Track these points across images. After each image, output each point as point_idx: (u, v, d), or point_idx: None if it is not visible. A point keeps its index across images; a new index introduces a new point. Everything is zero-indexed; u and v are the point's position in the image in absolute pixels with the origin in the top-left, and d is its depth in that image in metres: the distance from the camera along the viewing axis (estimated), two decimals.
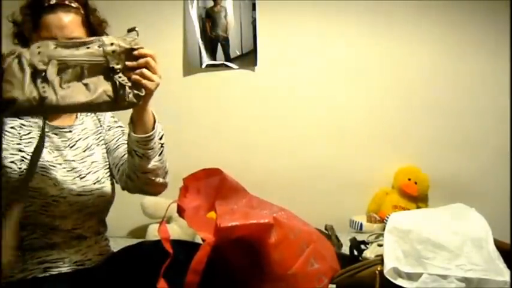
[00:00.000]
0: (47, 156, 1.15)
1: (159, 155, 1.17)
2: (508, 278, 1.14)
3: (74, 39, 1.04)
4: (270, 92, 2.35)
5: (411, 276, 1.17)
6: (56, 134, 1.20)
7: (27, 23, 1.14)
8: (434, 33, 2.35)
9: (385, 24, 2.34)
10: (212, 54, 2.31)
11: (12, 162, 1.10)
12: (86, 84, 0.99)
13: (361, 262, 1.27)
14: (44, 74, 0.95)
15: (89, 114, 1.30)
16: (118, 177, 1.26)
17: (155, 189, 1.23)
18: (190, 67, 2.31)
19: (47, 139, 1.17)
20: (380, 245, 1.35)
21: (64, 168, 1.16)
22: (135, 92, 1.04)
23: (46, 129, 1.17)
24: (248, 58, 2.32)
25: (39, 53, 0.96)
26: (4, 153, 1.09)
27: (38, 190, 1.10)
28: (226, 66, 2.32)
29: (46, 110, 0.99)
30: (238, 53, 2.31)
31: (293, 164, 2.35)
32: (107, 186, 1.23)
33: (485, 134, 2.37)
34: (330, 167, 2.35)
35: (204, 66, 2.31)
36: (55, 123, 1.21)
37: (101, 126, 1.31)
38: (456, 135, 2.37)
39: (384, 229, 1.30)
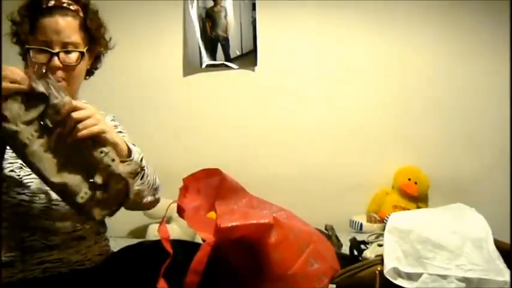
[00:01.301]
0: None
1: (141, 178, 1.12)
2: (508, 278, 1.14)
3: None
4: (270, 92, 2.35)
5: (411, 276, 1.17)
6: None
7: (24, 24, 1.13)
8: (434, 33, 2.35)
9: (385, 25, 2.34)
10: (212, 54, 2.31)
11: (11, 170, 1.10)
12: (63, 166, 0.96)
13: (361, 262, 1.27)
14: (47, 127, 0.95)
15: None
16: None
17: (146, 207, 1.22)
18: (190, 67, 2.31)
19: None
20: (380, 245, 1.35)
21: None
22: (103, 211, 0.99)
23: None
24: (248, 58, 2.32)
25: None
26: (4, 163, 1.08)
27: (37, 195, 1.10)
28: (226, 66, 2.31)
29: (19, 151, 0.96)
30: (238, 53, 2.31)
31: (293, 164, 2.35)
32: None
33: (486, 134, 2.36)
34: (330, 167, 2.35)
35: (204, 66, 2.31)
36: None
37: None
38: (456, 135, 2.37)
39: (383, 229, 1.30)
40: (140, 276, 1.08)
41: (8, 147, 1.07)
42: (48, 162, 0.96)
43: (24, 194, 1.08)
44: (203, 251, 1.03)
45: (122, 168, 0.98)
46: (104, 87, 2.00)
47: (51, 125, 0.96)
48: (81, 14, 1.15)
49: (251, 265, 1.13)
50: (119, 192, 0.99)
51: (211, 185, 1.26)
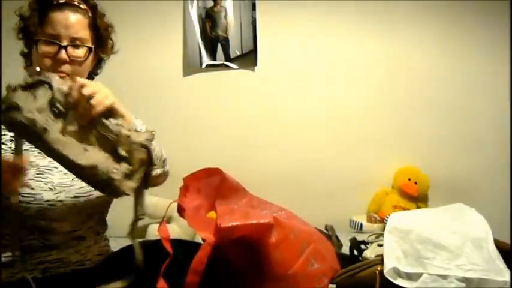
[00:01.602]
0: (41, 161, 1.13)
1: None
2: (508, 278, 1.14)
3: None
4: (270, 92, 2.35)
5: (411, 276, 1.17)
6: None
7: (34, 17, 1.13)
8: (434, 33, 2.35)
9: (385, 25, 2.34)
10: (212, 54, 2.31)
11: None
12: (85, 149, 0.94)
13: (361, 262, 1.27)
14: (60, 112, 0.92)
15: None
16: None
17: (155, 181, 1.18)
18: (190, 67, 2.31)
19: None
20: (380, 245, 1.35)
21: (61, 171, 1.14)
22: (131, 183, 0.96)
23: None
24: (248, 58, 2.32)
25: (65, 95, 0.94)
26: None
27: (33, 195, 1.09)
28: (226, 66, 2.31)
29: (38, 139, 0.91)
30: (238, 53, 2.31)
31: (293, 163, 2.35)
32: None
33: (486, 134, 2.36)
34: (330, 167, 2.35)
35: (204, 66, 2.31)
36: None
37: None
38: (456, 135, 2.37)
39: (384, 229, 1.30)
40: (140, 276, 1.07)
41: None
42: (71, 146, 0.92)
43: (19, 195, 1.07)
44: (203, 251, 1.03)
45: (139, 137, 0.98)
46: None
47: (63, 109, 0.93)
48: (90, 14, 1.17)
49: (251, 265, 1.13)
50: (143, 162, 0.98)
51: (211, 184, 1.26)
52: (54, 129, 0.91)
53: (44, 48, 1.11)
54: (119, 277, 1.12)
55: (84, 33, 1.15)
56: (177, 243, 1.14)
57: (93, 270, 1.18)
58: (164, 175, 1.20)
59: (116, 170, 0.93)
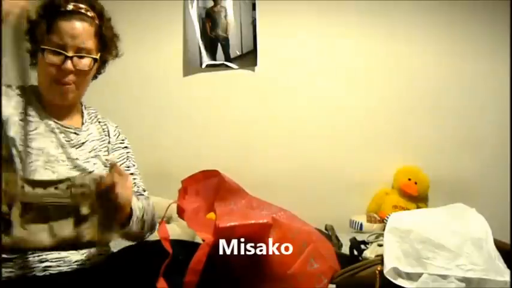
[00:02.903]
0: (52, 150, 1.15)
1: (141, 228, 1.23)
2: (508, 278, 1.14)
3: (44, 180, 1.04)
4: (270, 92, 2.35)
5: (411, 276, 1.17)
6: (61, 132, 1.20)
7: (41, 24, 1.14)
8: (434, 33, 2.35)
9: (385, 25, 2.34)
10: (212, 54, 2.31)
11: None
12: (51, 226, 1.01)
13: (361, 262, 1.27)
14: (7, 216, 0.97)
15: (93, 122, 1.30)
16: None
17: (139, 241, 1.28)
18: (190, 67, 2.31)
19: (52, 135, 1.17)
20: (380, 245, 1.35)
21: (67, 165, 1.16)
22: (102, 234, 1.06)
23: (53, 126, 1.18)
24: (248, 58, 2.32)
25: (5, 192, 0.97)
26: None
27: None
28: (226, 66, 2.31)
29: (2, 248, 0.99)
30: (238, 53, 2.31)
31: (293, 164, 2.35)
32: None
33: (485, 134, 2.36)
34: (330, 167, 2.35)
35: (204, 66, 2.31)
36: (63, 122, 1.21)
37: (106, 136, 1.31)
38: (456, 135, 2.37)
39: (384, 229, 1.30)
40: (140, 276, 1.08)
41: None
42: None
43: None
44: (202, 251, 1.03)
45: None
46: (104, 87, 1.99)
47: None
48: (96, 21, 1.18)
49: (251, 265, 1.13)
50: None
51: (210, 186, 1.26)
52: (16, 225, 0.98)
53: (51, 58, 1.13)
54: (118, 277, 1.12)
55: (90, 43, 1.16)
56: (176, 243, 1.14)
57: (93, 270, 1.18)
58: (151, 234, 1.30)
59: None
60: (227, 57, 2.31)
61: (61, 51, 1.12)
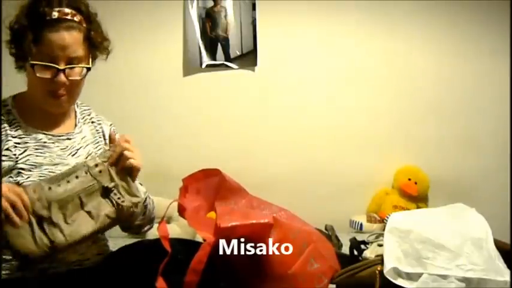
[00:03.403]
0: (48, 167, 1.13)
1: (143, 215, 1.24)
2: (508, 278, 1.14)
3: (60, 174, 1.07)
4: (270, 92, 2.35)
5: (411, 276, 1.17)
6: (53, 143, 1.18)
7: (28, 35, 1.09)
8: (434, 33, 2.35)
9: (385, 24, 2.34)
10: (212, 54, 2.31)
11: (9, 176, 1.09)
12: (88, 212, 1.06)
13: (361, 262, 1.27)
14: (49, 218, 1.01)
15: (86, 122, 1.28)
16: None
17: (140, 234, 1.35)
18: (190, 67, 2.31)
19: (45, 149, 1.15)
20: (380, 245, 1.35)
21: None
22: (130, 202, 1.11)
23: (45, 139, 1.16)
24: (248, 58, 2.32)
25: (38, 199, 1.01)
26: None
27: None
28: (226, 66, 2.31)
29: (58, 252, 1.05)
30: (238, 53, 2.31)
31: (293, 164, 2.35)
32: None
33: (486, 134, 2.37)
34: (330, 167, 2.35)
35: (204, 66, 2.31)
36: (54, 132, 1.19)
37: (100, 138, 1.29)
38: (456, 135, 2.37)
39: (384, 229, 1.30)
40: (139, 275, 1.07)
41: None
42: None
43: None
44: (203, 251, 1.03)
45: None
46: (103, 87, 2.01)
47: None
48: (84, 25, 1.14)
49: (251, 265, 1.13)
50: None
51: (210, 185, 1.26)
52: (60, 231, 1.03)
53: (42, 73, 1.09)
54: (117, 277, 1.12)
55: (81, 51, 1.12)
56: (176, 242, 1.14)
57: (92, 270, 1.18)
58: (149, 229, 1.34)
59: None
60: (227, 57, 2.31)
61: (52, 64, 1.09)
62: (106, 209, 1.07)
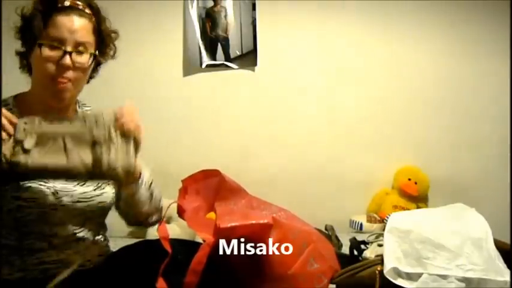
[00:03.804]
0: None
1: (150, 201, 1.21)
2: (508, 278, 1.14)
3: (59, 116, 1.05)
4: (270, 92, 2.35)
5: (411, 276, 1.17)
6: None
7: (38, 19, 1.10)
8: (434, 33, 2.35)
9: (385, 24, 2.34)
10: (212, 54, 2.31)
11: None
12: (65, 152, 1.01)
13: (361, 262, 1.27)
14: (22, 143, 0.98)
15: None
16: (117, 211, 1.28)
17: (148, 225, 1.30)
18: (190, 67, 2.31)
19: None
20: (380, 245, 1.35)
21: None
22: (124, 164, 1.04)
23: None
24: (248, 58, 2.32)
25: (24, 129, 0.99)
26: None
27: (34, 200, 1.08)
28: (226, 66, 2.31)
29: (18, 173, 0.99)
30: (238, 53, 2.31)
31: (293, 164, 2.35)
32: (107, 191, 1.20)
33: (486, 134, 2.37)
34: (330, 167, 2.35)
35: (204, 66, 2.31)
36: None
37: None
38: (456, 135, 2.37)
39: (384, 229, 1.30)
40: (139, 275, 1.07)
41: None
42: (52, 157, 1.00)
43: (21, 199, 1.07)
44: (203, 252, 1.03)
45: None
46: (103, 87, 2.00)
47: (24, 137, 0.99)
48: (94, 19, 1.15)
49: (251, 265, 1.13)
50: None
51: (210, 186, 1.26)
52: (32, 157, 0.98)
53: (48, 53, 1.08)
54: (118, 278, 1.12)
55: (89, 39, 1.13)
56: (176, 242, 1.14)
57: (93, 271, 1.18)
58: (157, 222, 1.28)
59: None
60: (227, 57, 2.31)
61: (60, 45, 1.08)
62: (85, 156, 1.01)
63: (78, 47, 1.11)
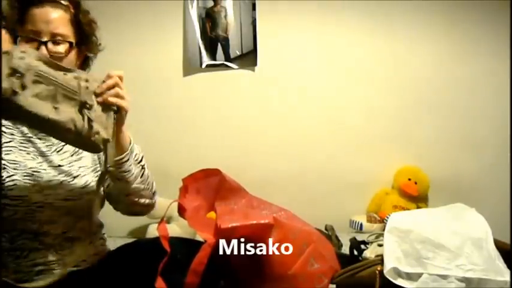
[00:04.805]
0: (30, 163, 1.11)
1: (141, 176, 1.16)
2: (508, 278, 1.14)
3: (57, 62, 1.01)
4: (270, 92, 2.35)
5: (411, 276, 1.17)
6: (39, 139, 1.16)
7: (13, 15, 1.10)
8: (434, 33, 2.35)
9: (385, 24, 2.34)
10: (212, 54, 2.31)
11: None
12: (56, 108, 0.97)
13: (361, 262, 1.27)
14: (22, 77, 0.93)
15: None
16: (109, 200, 1.25)
17: (141, 209, 1.22)
18: (190, 67, 2.31)
19: (29, 145, 1.14)
20: (380, 245, 1.35)
21: (49, 173, 1.13)
22: (103, 135, 1.02)
23: (29, 134, 1.14)
24: (248, 58, 2.31)
25: (21, 58, 0.94)
26: None
27: (20, 198, 1.08)
28: (226, 66, 2.31)
29: (11, 109, 0.94)
30: (238, 53, 2.31)
31: (293, 164, 2.35)
32: (88, 180, 1.17)
33: (486, 134, 2.36)
34: (330, 167, 2.35)
35: (204, 66, 2.31)
36: None
37: None
38: (456, 135, 2.37)
39: (384, 229, 1.30)
40: (138, 274, 1.07)
41: None
42: (42, 106, 0.95)
43: (7, 197, 1.07)
44: (203, 252, 1.03)
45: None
46: None
47: (23, 73, 0.94)
48: (71, 10, 1.14)
49: (251, 265, 1.13)
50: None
51: (210, 185, 1.26)
52: (23, 93, 0.93)
53: (25, 45, 1.08)
54: (115, 277, 1.11)
55: (65, 29, 1.12)
56: (176, 241, 1.13)
57: (89, 271, 1.17)
58: (151, 206, 1.23)
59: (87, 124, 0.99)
60: (227, 57, 2.31)
61: (34, 37, 1.08)
62: (75, 116, 0.98)
63: (55, 38, 1.10)
